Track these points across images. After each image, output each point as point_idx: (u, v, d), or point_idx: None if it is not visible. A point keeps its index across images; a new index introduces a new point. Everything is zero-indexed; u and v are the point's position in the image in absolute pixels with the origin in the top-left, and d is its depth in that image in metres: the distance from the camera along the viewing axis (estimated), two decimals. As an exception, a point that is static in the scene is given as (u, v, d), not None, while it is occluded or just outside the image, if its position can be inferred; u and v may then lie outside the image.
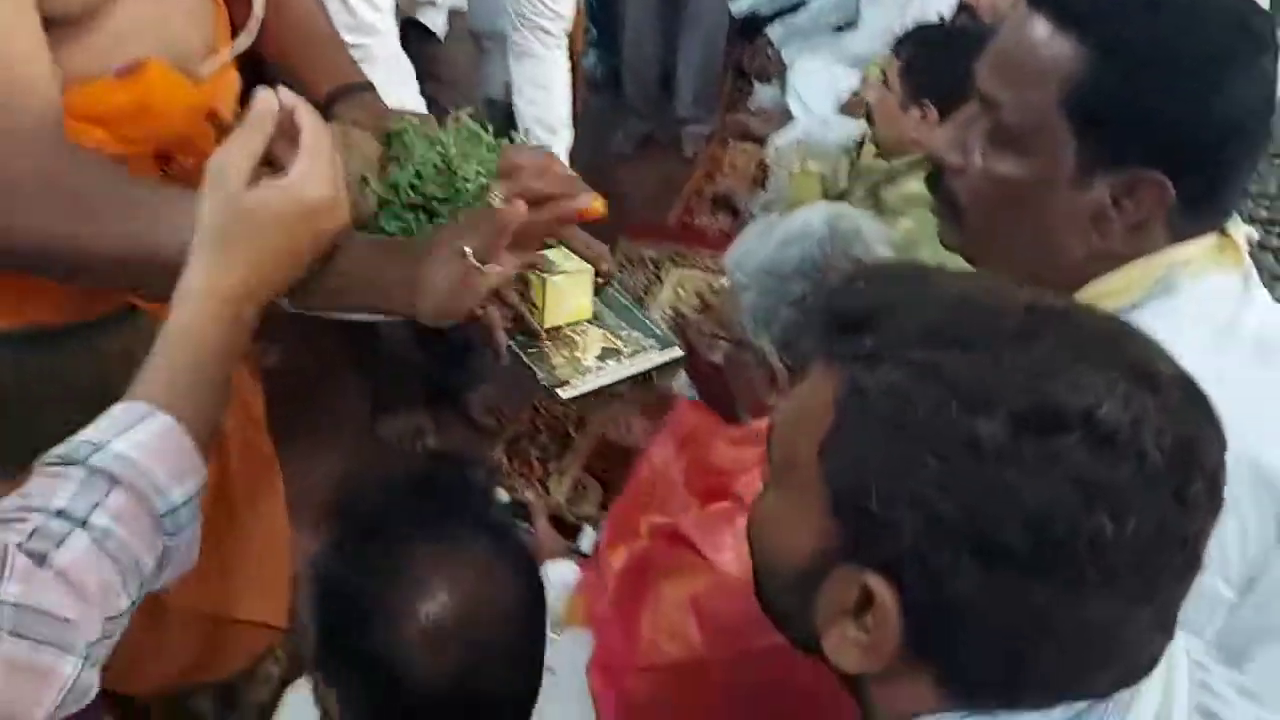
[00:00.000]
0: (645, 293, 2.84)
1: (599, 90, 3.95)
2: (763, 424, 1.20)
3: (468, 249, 0.82)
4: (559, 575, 1.41)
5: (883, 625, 0.55)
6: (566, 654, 1.28)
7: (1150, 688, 0.57)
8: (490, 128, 1.15)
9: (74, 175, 0.82)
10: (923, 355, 0.54)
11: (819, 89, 3.45)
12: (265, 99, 0.76)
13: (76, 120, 0.88)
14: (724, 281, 2.39)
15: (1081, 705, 0.56)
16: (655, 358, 1.58)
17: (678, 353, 1.59)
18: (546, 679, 1.24)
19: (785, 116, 3.64)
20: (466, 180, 1.10)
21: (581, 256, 1.66)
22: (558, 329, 1.58)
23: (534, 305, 1.60)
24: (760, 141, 3.68)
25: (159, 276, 0.76)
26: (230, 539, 1.39)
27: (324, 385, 2.36)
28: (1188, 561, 0.54)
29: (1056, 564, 0.51)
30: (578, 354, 1.59)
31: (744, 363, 1.23)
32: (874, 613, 0.56)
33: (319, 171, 0.75)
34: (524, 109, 2.01)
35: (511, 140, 1.16)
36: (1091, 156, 0.80)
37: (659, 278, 2.92)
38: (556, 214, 0.84)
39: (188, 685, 1.52)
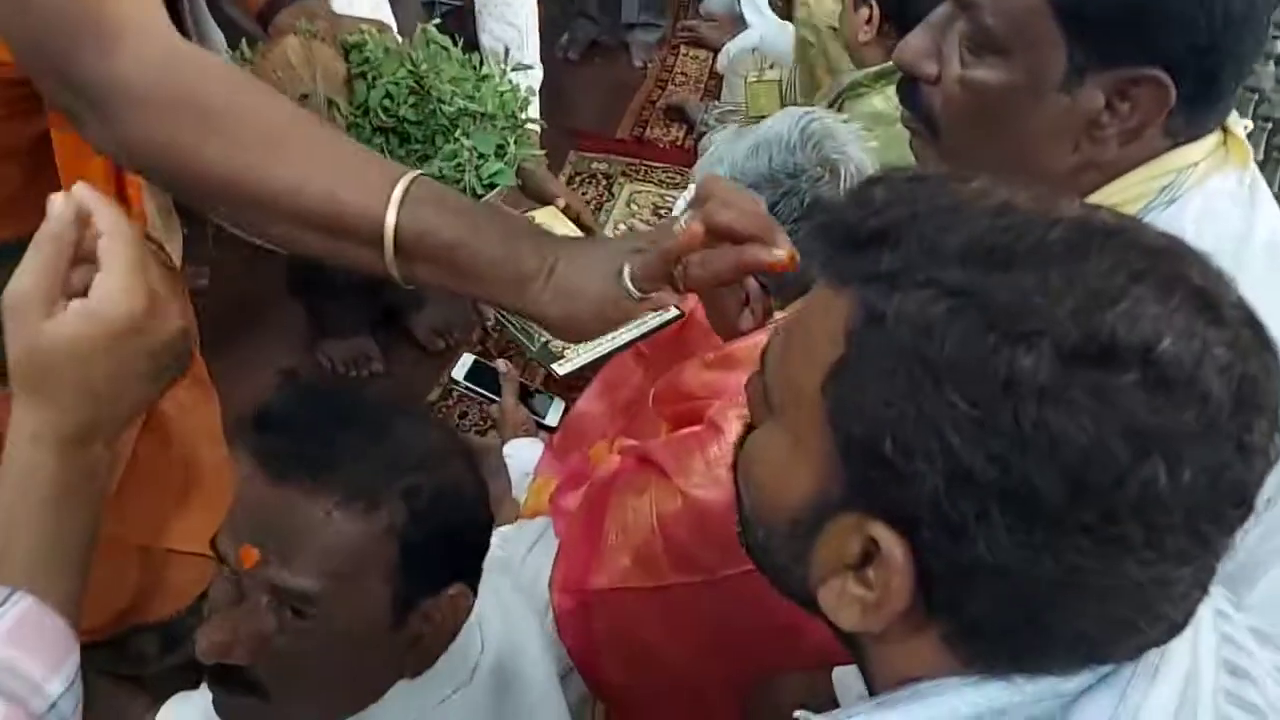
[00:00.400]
0: (598, 209, 2.74)
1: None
2: (737, 346, 1.14)
3: (627, 269, 0.72)
4: (521, 458, 1.42)
5: (889, 582, 0.49)
6: (525, 547, 1.26)
7: (1178, 648, 0.51)
8: (460, 40, 1.07)
9: (266, 111, 0.77)
10: (952, 275, 0.46)
11: (774, -8, 3.31)
12: (58, 209, 0.64)
13: None
14: (686, 194, 2.31)
15: (1106, 669, 0.50)
16: (650, 321, 1.52)
17: (672, 313, 1.53)
18: (504, 573, 1.23)
19: (738, 23, 3.51)
20: (442, 102, 1.02)
21: (577, 221, 1.61)
22: None
23: None
24: (712, 49, 3.55)
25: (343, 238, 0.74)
26: (162, 466, 1.32)
27: (261, 310, 2.24)
28: (1241, 515, 0.47)
29: (1098, 521, 0.45)
30: None
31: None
32: (879, 567, 0.49)
33: (122, 285, 0.63)
34: (490, 45, 1.87)
35: (481, 58, 1.07)
36: (1083, 56, 0.73)
37: (611, 192, 2.82)
38: (742, 259, 0.71)
39: (127, 627, 1.45)
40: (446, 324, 2.25)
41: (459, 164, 1.01)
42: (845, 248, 0.51)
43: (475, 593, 0.81)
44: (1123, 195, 0.78)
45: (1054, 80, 0.74)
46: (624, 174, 2.90)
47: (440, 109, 1.00)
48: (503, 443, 1.45)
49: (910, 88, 0.82)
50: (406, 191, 0.73)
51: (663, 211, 2.75)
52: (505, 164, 1.06)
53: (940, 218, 0.49)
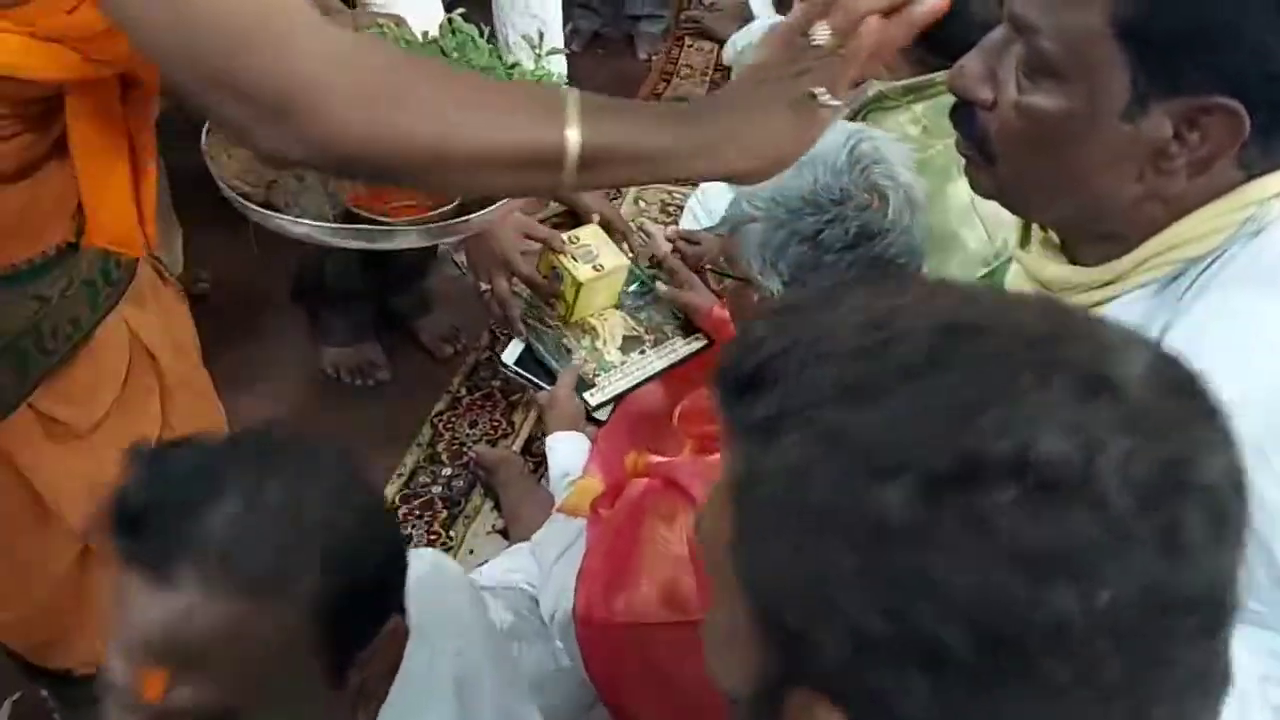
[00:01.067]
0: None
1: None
2: None
3: (818, 91, 0.72)
4: (562, 454, 1.41)
5: None
6: (555, 552, 1.21)
7: None
8: (485, 30, 1.05)
9: (437, 74, 0.80)
10: (824, 415, 0.41)
11: (781, -18, 3.25)
12: None
13: (41, 40, 0.83)
14: (697, 194, 2.24)
15: None
16: (680, 349, 1.50)
17: (701, 342, 1.51)
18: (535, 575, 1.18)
19: (743, 12, 3.45)
20: None
21: (615, 234, 1.60)
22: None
23: (561, 297, 1.53)
24: (717, 40, 3.48)
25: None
26: None
27: (264, 317, 2.18)
28: (1206, 624, 0.40)
29: (1017, 668, 0.38)
30: (599, 345, 1.51)
31: (750, 304, 1.11)
32: None
33: None
34: (514, 39, 1.84)
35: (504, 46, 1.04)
36: (1148, 83, 0.69)
37: (618, 190, 2.75)
38: (911, 20, 0.71)
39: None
40: (454, 329, 2.19)
41: None
42: (730, 395, 0.45)
43: (405, 612, 0.73)
44: (1198, 230, 0.74)
45: (1115, 108, 0.70)
46: (631, 170, 2.83)
47: None
48: (545, 434, 1.44)
49: (965, 113, 0.78)
50: (581, 110, 0.74)
51: (671, 209, 2.68)
52: None
53: (811, 349, 0.43)
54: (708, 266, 1.48)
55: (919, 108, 1.58)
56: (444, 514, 1.82)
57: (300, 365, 2.13)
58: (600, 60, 3.42)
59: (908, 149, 1.08)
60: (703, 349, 1.51)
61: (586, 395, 1.42)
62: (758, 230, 1.07)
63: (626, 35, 3.50)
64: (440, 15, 1.54)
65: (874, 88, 1.68)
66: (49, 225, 0.99)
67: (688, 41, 3.54)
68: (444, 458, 1.93)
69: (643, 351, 1.51)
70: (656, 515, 1.13)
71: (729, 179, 0.82)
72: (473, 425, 2.01)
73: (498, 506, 1.82)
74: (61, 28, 0.88)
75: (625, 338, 1.54)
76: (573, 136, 0.73)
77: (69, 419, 1.07)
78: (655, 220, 2.61)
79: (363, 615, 0.69)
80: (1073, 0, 0.69)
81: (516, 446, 1.96)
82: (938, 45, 1.59)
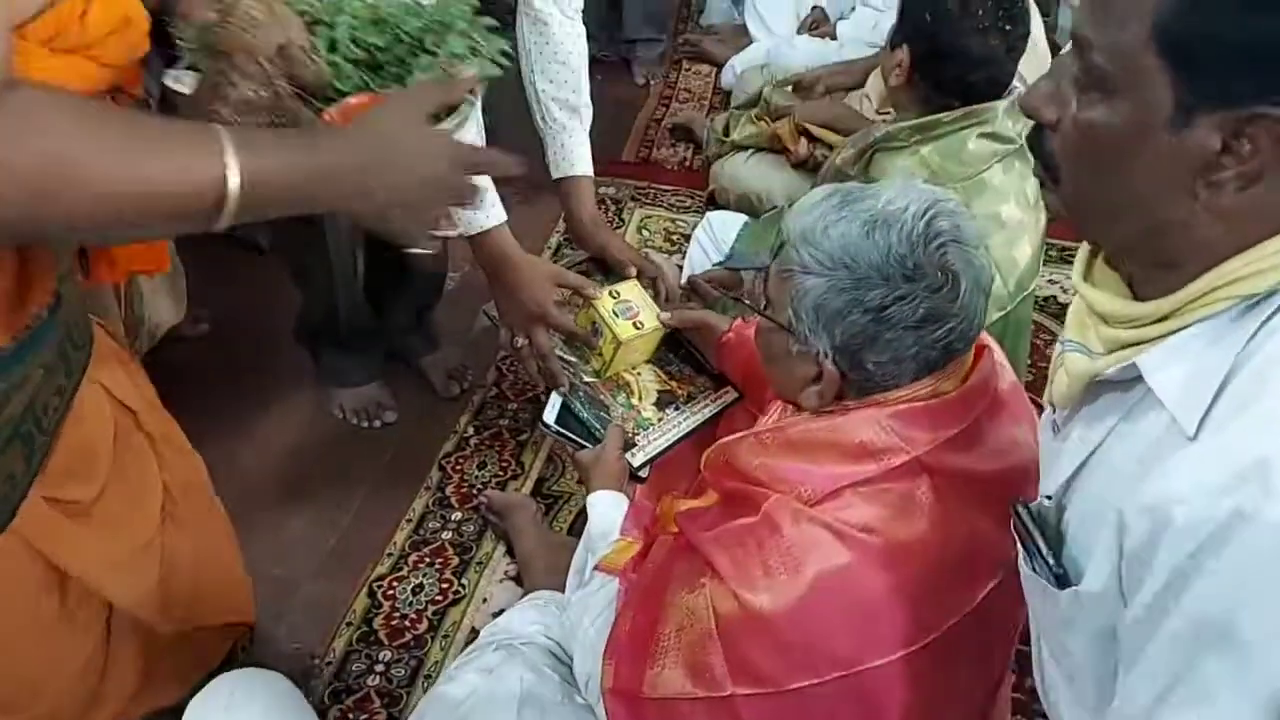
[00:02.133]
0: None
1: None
2: (794, 430, 1.06)
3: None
4: (601, 513, 1.34)
5: None
6: (589, 618, 1.21)
7: None
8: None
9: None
10: None
11: (779, 6, 3.23)
12: None
13: (61, 53, 0.88)
14: (704, 224, 2.21)
15: None
16: (712, 405, 1.46)
17: (732, 395, 1.47)
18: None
19: (741, 35, 3.43)
20: (400, 26, 1.00)
21: (642, 277, 1.55)
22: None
23: (598, 353, 1.48)
24: (715, 64, 3.46)
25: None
26: (176, 549, 1.23)
27: (262, 358, 2.14)
28: None
29: None
30: (635, 402, 1.47)
31: (784, 352, 1.06)
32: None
33: None
34: (542, 86, 1.76)
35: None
36: (1190, 95, 0.68)
37: (621, 218, 2.73)
38: None
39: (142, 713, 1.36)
40: (462, 368, 2.15)
41: (437, 76, 1.01)
42: None
43: None
44: (1259, 265, 0.71)
45: (1160, 120, 0.69)
46: (633, 199, 2.81)
47: (400, 32, 1.01)
48: (588, 492, 1.37)
49: (1037, 135, 0.79)
50: (235, 143, 0.76)
51: (675, 237, 2.66)
52: (484, 59, 1.05)
53: None
54: (745, 299, 1.42)
55: (926, 150, 1.56)
56: (455, 560, 1.78)
57: (304, 406, 2.09)
58: (597, 85, 3.36)
59: (981, 227, 1.04)
60: (734, 402, 1.47)
61: (629, 456, 1.37)
62: (817, 287, 1.00)
63: (624, 60, 3.48)
64: None
65: (881, 129, 1.66)
66: (46, 277, 0.96)
67: (685, 65, 3.52)
68: (453, 501, 1.89)
69: (678, 408, 1.47)
70: (682, 584, 1.08)
71: (391, 204, 0.87)
72: (481, 467, 1.97)
73: (510, 552, 1.79)
74: (76, 35, 0.93)
75: (659, 393, 1.49)
76: (232, 171, 0.76)
77: (76, 495, 1.03)
78: (660, 250, 2.59)
79: None
80: (1118, 14, 0.69)
81: (526, 489, 1.92)
82: (943, 85, 1.58)
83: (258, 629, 1.53)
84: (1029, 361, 1.96)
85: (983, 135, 1.54)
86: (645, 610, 1.12)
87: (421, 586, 1.73)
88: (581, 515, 1.84)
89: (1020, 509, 0.85)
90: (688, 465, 1.41)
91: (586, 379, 1.48)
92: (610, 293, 1.53)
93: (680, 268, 2.33)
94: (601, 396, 1.45)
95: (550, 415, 1.45)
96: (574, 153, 1.81)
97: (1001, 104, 1.55)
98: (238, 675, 1.17)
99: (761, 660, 1.01)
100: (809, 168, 2.53)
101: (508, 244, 1.61)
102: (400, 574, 1.75)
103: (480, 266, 1.66)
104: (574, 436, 1.42)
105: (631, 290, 1.54)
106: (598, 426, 1.41)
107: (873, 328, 0.98)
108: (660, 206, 2.79)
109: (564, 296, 1.60)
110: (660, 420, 1.44)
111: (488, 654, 1.34)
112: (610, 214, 2.74)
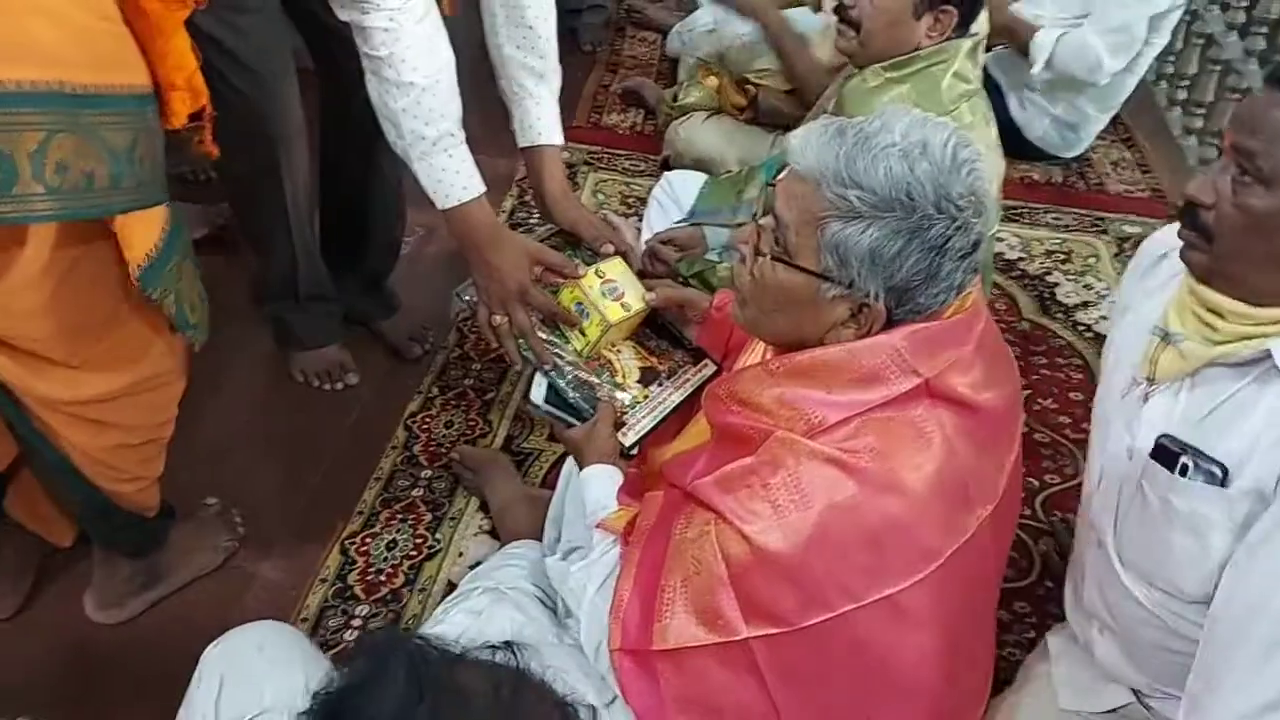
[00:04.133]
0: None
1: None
2: (801, 358, 1.05)
3: None
4: (600, 489, 1.29)
5: None
6: (594, 586, 1.19)
7: None
8: None
9: None
10: None
11: (725, -30, 3.24)
12: None
13: None
14: (663, 183, 2.22)
15: None
16: (693, 378, 1.44)
17: (711, 368, 1.45)
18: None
19: (686, 2, 3.44)
20: None
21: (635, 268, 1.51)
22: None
23: (581, 332, 1.45)
24: (659, 30, 3.47)
25: None
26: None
27: (220, 325, 2.09)
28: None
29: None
30: (619, 379, 1.44)
31: (809, 298, 1.03)
32: None
33: None
34: (508, 52, 1.65)
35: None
36: None
37: (576, 182, 2.73)
38: None
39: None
40: (423, 329, 2.14)
41: None
42: None
43: None
44: None
45: None
46: (586, 162, 2.81)
47: None
48: (580, 468, 1.32)
49: (1190, 212, 1.06)
50: None
51: (630, 200, 2.67)
52: None
53: None
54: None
55: (904, 88, 1.58)
56: (428, 517, 1.78)
57: (265, 371, 2.06)
58: (544, 53, 3.39)
59: (997, 161, 1.08)
60: (714, 374, 1.45)
61: (620, 436, 1.35)
62: (870, 231, 0.97)
63: (569, 28, 3.46)
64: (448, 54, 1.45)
65: (849, 73, 1.69)
66: None
67: (630, 33, 3.53)
68: (422, 459, 1.89)
69: (661, 384, 1.44)
70: (684, 537, 1.07)
71: None
72: (448, 426, 1.96)
73: (484, 507, 1.79)
74: None
75: (641, 370, 1.45)
76: None
77: None
78: (616, 212, 2.60)
79: None
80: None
81: (495, 446, 1.93)
82: (966, 22, 1.61)
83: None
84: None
85: (953, 74, 1.58)
86: (646, 566, 1.11)
87: (395, 542, 1.73)
88: (553, 470, 1.85)
89: (1164, 439, 1.09)
90: (669, 435, 1.41)
91: (568, 358, 1.45)
92: (595, 272, 1.48)
93: (639, 230, 2.35)
94: (584, 375, 1.42)
95: (538, 395, 1.41)
96: (542, 120, 1.69)
97: (965, 43, 1.59)
98: (262, 625, 1.25)
99: (774, 600, 1.01)
100: (758, 120, 2.57)
101: (486, 218, 1.52)
102: (373, 530, 1.75)
103: (456, 240, 1.57)
104: (563, 415, 1.39)
105: (616, 270, 1.50)
106: (586, 406, 1.38)
107: (936, 262, 0.98)
108: (614, 170, 2.79)
109: (537, 274, 1.52)
110: (646, 397, 1.42)
111: (474, 597, 1.34)
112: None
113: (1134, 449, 1.13)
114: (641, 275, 1.58)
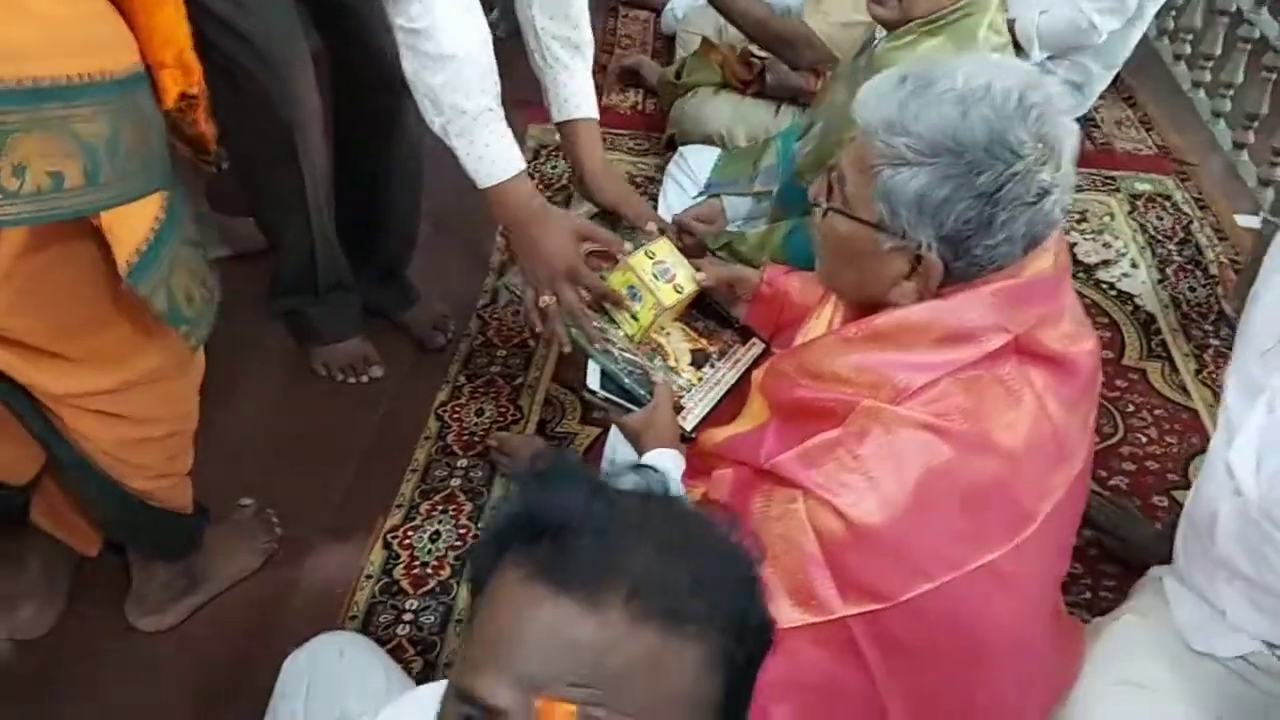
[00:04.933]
0: (570, 181, 2.60)
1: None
2: (880, 321, 1.00)
3: None
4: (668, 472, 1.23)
5: None
6: None
7: None
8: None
9: None
10: None
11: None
12: None
13: None
14: (677, 159, 2.19)
15: None
16: (744, 356, 1.40)
17: (759, 346, 1.41)
18: None
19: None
20: None
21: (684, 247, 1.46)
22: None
23: (634, 316, 1.38)
24: (653, 8, 3.43)
25: None
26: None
27: (238, 323, 2.03)
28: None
29: None
30: (672, 364, 1.38)
31: (869, 250, 1.00)
32: None
33: None
34: (541, 23, 1.61)
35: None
36: None
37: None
38: None
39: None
40: (444, 317, 2.10)
41: None
42: None
43: None
44: None
45: None
46: (591, 144, 2.76)
47: None
48: (640, 454, 1.26)
49: None
50: None
51: (638, 180, 2.62)
52: None
53: None
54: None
55: (938, 39, 1.54)
56: (469, 506, 1.74)
57: (286, 368, 2.01)
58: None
59: (1070, 96, 1.03)
60: (763, 353, 1.41)
61: (680, 420, 1.30)
62: (917, 178, 0.94)
63: (559, 9, 3.41)
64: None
65: (875, 39, 1.66)
66: None
67: (623, 11, 3.48)
68: (456, 449, 1.84)
69: (713, 365, 1.39)
70: (767, 515, 1.02)
71: None
72: (479, 414, 1.92)
73: (524, 493, 1.75)
74: None
75: (692, 352, 1.40)
76: None
77: None
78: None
79: (746, 685, 0.62)
80: None
81: (529, 431, 1.89)
82: None
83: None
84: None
85: (988, 26, 1.55)
86: None
87: (439, 534, 1.69)
88: (589, 452, 1.82)
89: None
90: (725, 417, 1.37)
91: (619, 343, 1.39)
92: (646, 253, 1.42)
93: (655, 207, 2.31)
94: (639, 360, 1.36)
95: (594, 381, 1.35)
96: (578, 93, 1.65)
97: None
98: (339, 633, 1.25)
99: (873, 575, 0.97)
100: (764, 93, 2.54)
101: (531, 194, 1.47)
102: (414, 523, 1.70)
103: (500, 220, 1.53)
104: (621, 401, 1.33)
105: (665, 250, 1.43)
106: (642, 392, 1.32)
107: (988, 211, 0.94)
108: (619, 151, 2.75)
109: (584, 255, 1.46)
110: (700, 380, 1.37)
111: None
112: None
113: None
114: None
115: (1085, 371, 1.07)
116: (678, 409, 1.32)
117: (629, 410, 1.30)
